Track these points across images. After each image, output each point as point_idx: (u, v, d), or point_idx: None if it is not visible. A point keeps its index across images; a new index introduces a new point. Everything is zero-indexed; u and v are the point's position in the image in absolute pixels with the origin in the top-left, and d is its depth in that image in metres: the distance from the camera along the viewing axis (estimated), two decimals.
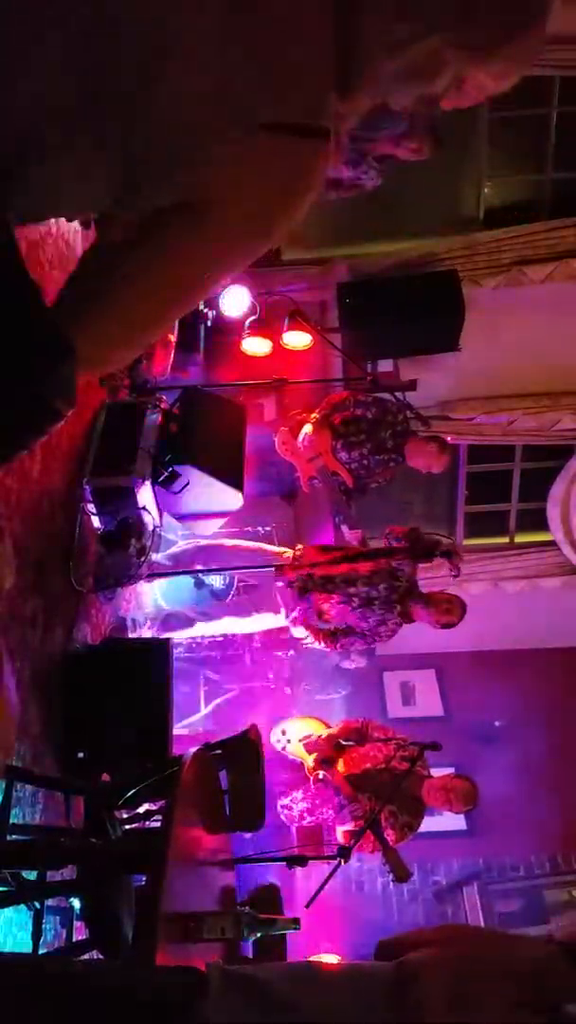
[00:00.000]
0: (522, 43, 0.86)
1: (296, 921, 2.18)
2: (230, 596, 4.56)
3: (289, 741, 4.06)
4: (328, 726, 4.12)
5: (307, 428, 4.30)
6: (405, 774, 3.36)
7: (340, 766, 3.78)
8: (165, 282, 0.91)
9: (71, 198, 0.95)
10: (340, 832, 3.67)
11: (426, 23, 0.84)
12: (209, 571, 4.35)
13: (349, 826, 3.53)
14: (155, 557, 4.09)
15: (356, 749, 3.83)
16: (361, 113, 0.92)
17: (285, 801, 3.91)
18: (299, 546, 4.15)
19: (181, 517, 4.18)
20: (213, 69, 0.80)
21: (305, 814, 3.89)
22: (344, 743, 3.92)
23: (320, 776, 3.80)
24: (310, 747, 3.93)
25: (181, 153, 0.83)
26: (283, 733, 4.11)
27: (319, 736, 3.97)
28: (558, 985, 0.94)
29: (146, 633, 4.25)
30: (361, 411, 4.16)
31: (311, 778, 3.86)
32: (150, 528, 3.60)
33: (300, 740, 4.01)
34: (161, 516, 3.84)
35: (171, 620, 4.33)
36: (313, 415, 4.30)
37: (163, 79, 0.80)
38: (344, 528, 4.21)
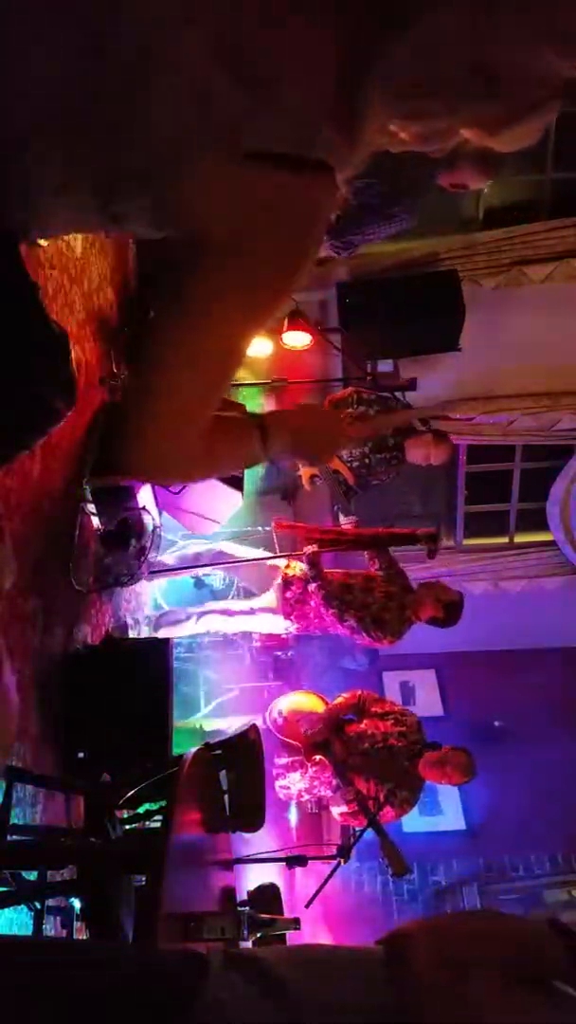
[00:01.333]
0: (532, 123, 0.88)
1: (296, 921, 2.19)
2: (230, 596, 4.56)
3: (286, 720, 4.03)
4: (326, 702, 4.10)
5: None
6: (404, 757, 3.40)
7: (337, 748, 3.75)
8: (198, 353, 0.83)
9: (50, 212, 0.91)
10: (336, 813, 3.69)
11: (446, 105, 0.81)
12: (210, 564, 4.35)
13: (345, 808, 3.53)
14: (159, 558, 4.09)
15: (355, 726, 3.78)
16: (357, 160, 0.86)
17: (283, 782, 3.90)
18: (292, 563, 4.13)
19: (181, 517, 4.18)
20: (200, 86, 0.78)
21: (303, 793, 3.90)
22: (343, 719, 3.90)
23: (317, 759, 3.80)
24: (307, 724, 3.90)
25: (163, 169, 0.80)
26: (279, 713, 4.09)
27: (317, 714, 3.95)
28: (551, 960, 0.94)
29: (145, 632, 4.24)
30: (364, 408, 4.18)
31: (309, 763, 3.85)
32: (150, 528, 3.60)
33: (298, 719, 3.99)
34: (161, 516, 3.84)
35: (167, 617, 4.32)
36: None
37: (156, 84, 0.79)
38: (342, 517, 4.42)
